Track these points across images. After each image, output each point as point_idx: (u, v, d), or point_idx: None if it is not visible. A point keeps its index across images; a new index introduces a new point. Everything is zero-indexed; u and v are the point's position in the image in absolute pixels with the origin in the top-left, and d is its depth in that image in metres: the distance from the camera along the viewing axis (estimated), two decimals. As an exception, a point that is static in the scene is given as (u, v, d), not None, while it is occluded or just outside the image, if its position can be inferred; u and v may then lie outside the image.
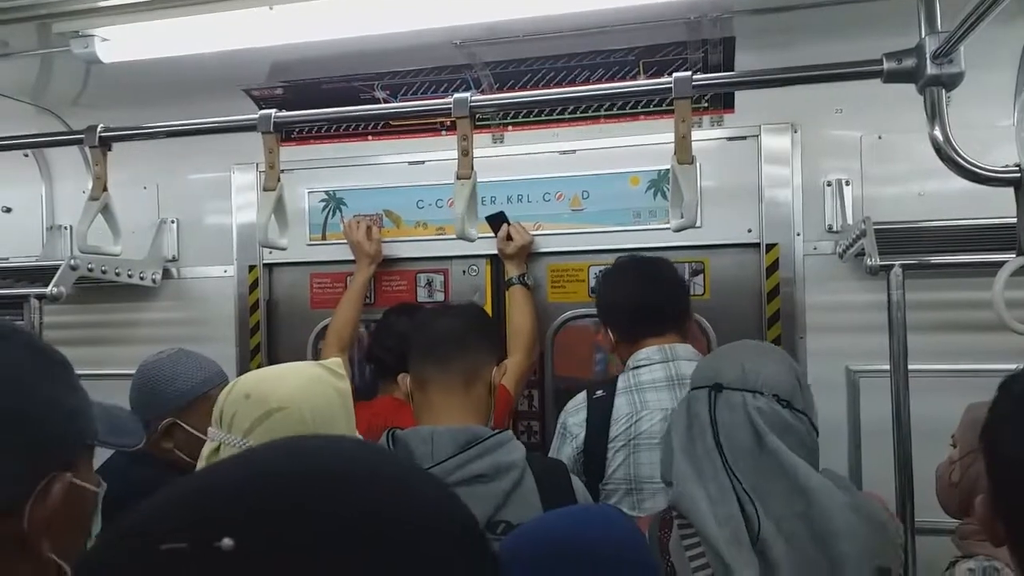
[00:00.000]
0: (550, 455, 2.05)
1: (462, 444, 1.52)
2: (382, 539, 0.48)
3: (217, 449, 1.30)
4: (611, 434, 1.98)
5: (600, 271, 2.66)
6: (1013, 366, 1.11)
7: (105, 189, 2.21)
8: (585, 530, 0.98)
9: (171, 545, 0.45)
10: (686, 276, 2.56)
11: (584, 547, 0.94)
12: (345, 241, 2.77)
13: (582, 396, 2.11)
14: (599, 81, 2.54)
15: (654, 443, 1.92)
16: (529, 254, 2.65)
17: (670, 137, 1.82)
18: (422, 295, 2.83)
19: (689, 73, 1.81)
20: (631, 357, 2.10)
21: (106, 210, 2.24)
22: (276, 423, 1.28)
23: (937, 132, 1.59)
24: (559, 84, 2.57)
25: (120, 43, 2.16)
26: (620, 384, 2.05)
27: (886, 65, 1.65)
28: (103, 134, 2.19)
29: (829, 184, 2.47)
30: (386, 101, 2.72)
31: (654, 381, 2.02)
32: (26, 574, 0.84)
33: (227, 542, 0.44)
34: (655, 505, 1.84)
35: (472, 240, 2.00)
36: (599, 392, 2.07)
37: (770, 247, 2.49)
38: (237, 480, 0.51)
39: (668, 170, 1.88)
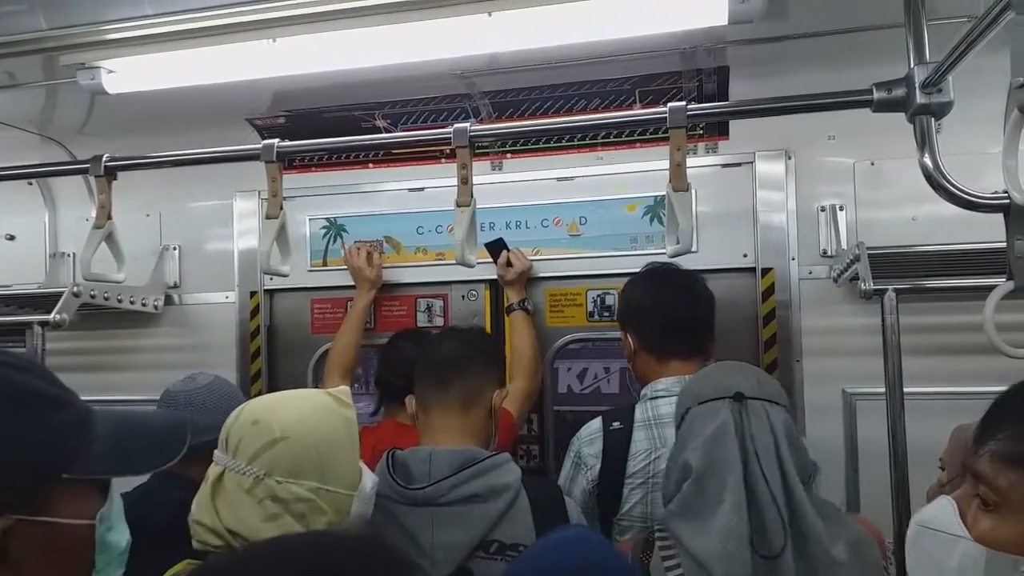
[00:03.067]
0: (560, 481, 2.01)
1: (458, 465, 1.56)
2: None
3: (221, 474, 1.32)
4: (628, 470, 1.91)
5: (598, 295, 2.68)
6: (1005, 388, 1.14)
7: (109, 217, 2.24)
8: (570, 556, 1.05)
9: None
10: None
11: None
12: (345, 267, 2.80)
13: (598, 424, 2.02)
14: (596, 110, 2.59)
15: None
16: (528, 279, 2.68)
17: (666, 164, 1.86)
18: (422, 320, 2.85)
19: (684, 103, 1.85)
20: (648, 386, 2.03)
21: (110, 238, 2.26)
22: (281, 451, 1.30)
23: (927, 159, 1.62)
24: (557, 113, 2.62)
25: (126, 75, 2.21)
26: (638, 416, 1.97)
27: (876, 95, 1.69)
28: (108, 163, 2.23)
29: (823, 209, 2.51)
30: (387, 130, 2.77)
31: (674, 415, 1.98)
32: None
33: None
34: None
35: (472, 266, 2.03)
36: (616, 424, 1.98)
37: (765, 271, 2.52)
38: None
39: (664, 196, 1.91)
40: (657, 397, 1.99)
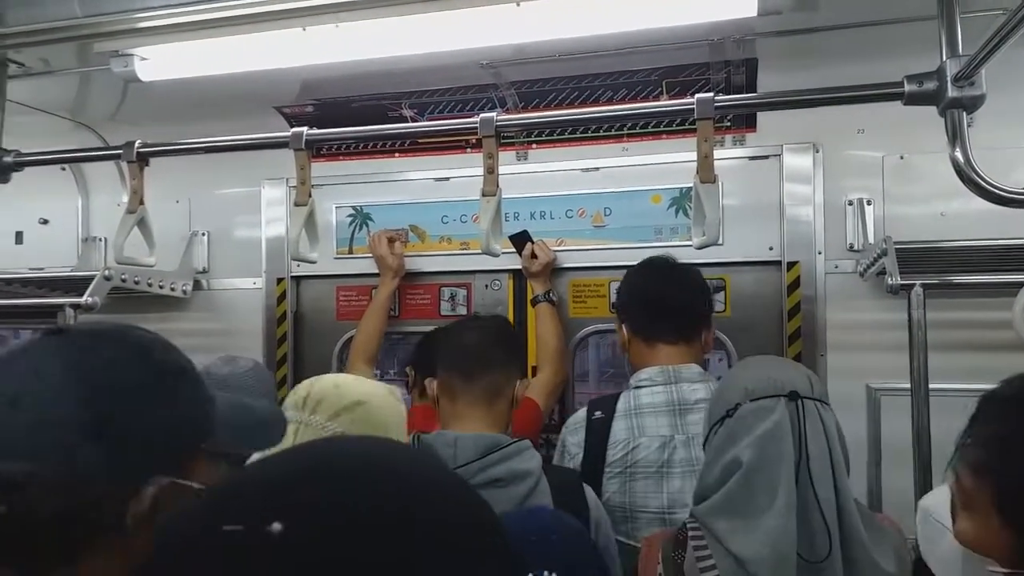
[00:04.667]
0: None
1: (483, 450, 1.61)
2: (414, 531, 0.53)
3: (296, 431, 1.41)
4: (608, 459, 1.95)
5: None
6: None
7: (142, 203, 2.27)
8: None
9: (231, 527, 0.51)
10: (707, 293, 2.58)
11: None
12: (371, 255, 2.82)
13: (582, 414, 2.07)
14: (622, 101, 2.58)
15: (650, 471, 1.91)
16: (552, 270, 2.69)
17: (692, 156, 1.85)
18: (445, 308, 2.87)
19: (711, 94, 1.85)
20: (634, 375, 2.07)
21: (142, 223, 2.30)
22: (359, 414, 1.45)
23: (958, 154, 1.61)
24: (583, 103, 2.61)
25: (158, 62, 2.24)
26: (620, 406, 2.01)
27: (907, 88, 1.68)
28: (141, 150, 2.26)
29: (851, 203, 2.49)
30: (413, 119, 2.78)
31: (654, 405, 1.98)
32: (127, 569, 0.88)
33: (276, 527, 0.50)
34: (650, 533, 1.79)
35: (497, 255, 2.04)
36: (598, 413, 2.03)
37: (791, 265, 2.51)
38: (292, 471, 0.57)
39: (690, 188, 1.90)
40: (640, 387, 2.03)
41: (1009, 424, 1.02)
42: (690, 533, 1.40)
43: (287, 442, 1.35)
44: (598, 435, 1.99)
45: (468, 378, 1.76)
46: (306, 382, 1.55)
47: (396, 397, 1.57)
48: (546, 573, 1.05)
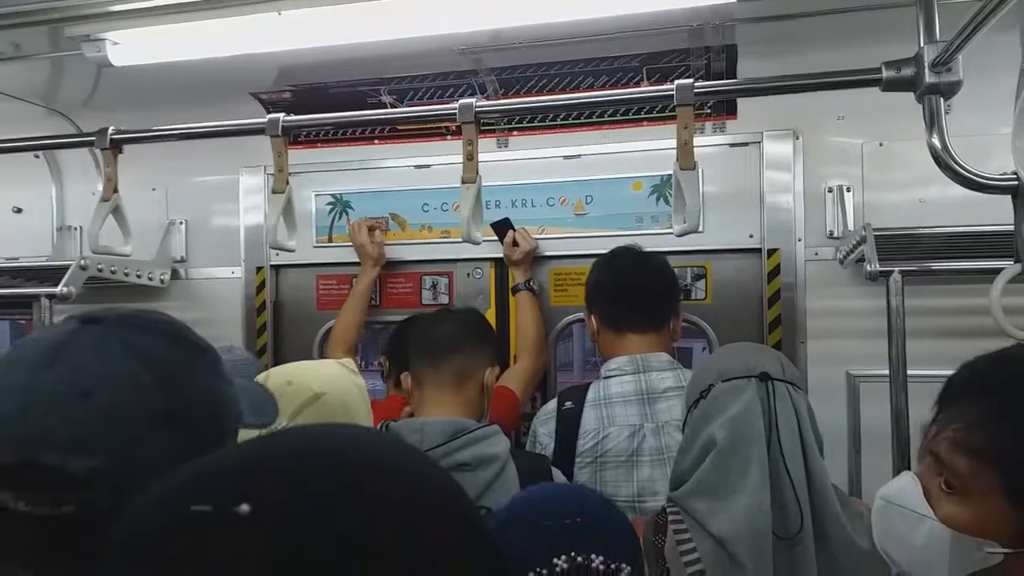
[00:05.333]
0: None
1: (449, 435, 1.62)
2: (389, 516, 0.52)
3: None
4: (578, 448, 1.97)
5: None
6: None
7: (116, 190, 2.24)
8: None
9: (199, 507, 0.51)
10: (687, 280, 2.59)
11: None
12: (351, 244, 2.80)
13: (553, 405, 2.09)
14: (603, 87, 2.57)
15: (621, 460, 1.92)
16: (533, 258, 2.68)
17: (673, 143, 1.85)
18: (427, 297, 2.86)
19: (691, 80, 1.84)
20: (604, 365, 2.09)
21: (117, 211, 2.27)
22: (319, 408, 1.39)
23: (935, 140, 1.61)
24: (563, 90, 2.60)
25: (131, 47, 2.20)
26: (590, 396, 2.03)
27: (885, 74, 1.68)
28: (114, 136, 2.23)
29: (830, 190, 2.49)
30: (392, 105, 2.76)
31: (623, 395, 1.99)
32: None
33: (244, 508, 0.49)
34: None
35: (478, 243, 2.04)
36: (568, 403, 2.05)
37: (771, 252, 2.51)
38: (262, 456, 0.56)
39: (671, 175, 1.90)
40: (609, 376, 2.04)
41: (1011, 404, 1.01)
42: (670, 518, 1.42)
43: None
44: (568, 425, 2.00)
45: (435, 363, 1.78)
46: (260, 376, 1.47)
47: (351, 372, 1.52)
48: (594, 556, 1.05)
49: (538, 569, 1.02)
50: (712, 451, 1.39)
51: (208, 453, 0.88)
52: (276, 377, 1.44)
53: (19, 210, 3.26)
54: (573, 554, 1.04)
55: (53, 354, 0.83)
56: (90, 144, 2.31)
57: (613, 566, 1.05)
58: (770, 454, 1.36)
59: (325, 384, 1.43)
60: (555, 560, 1.03)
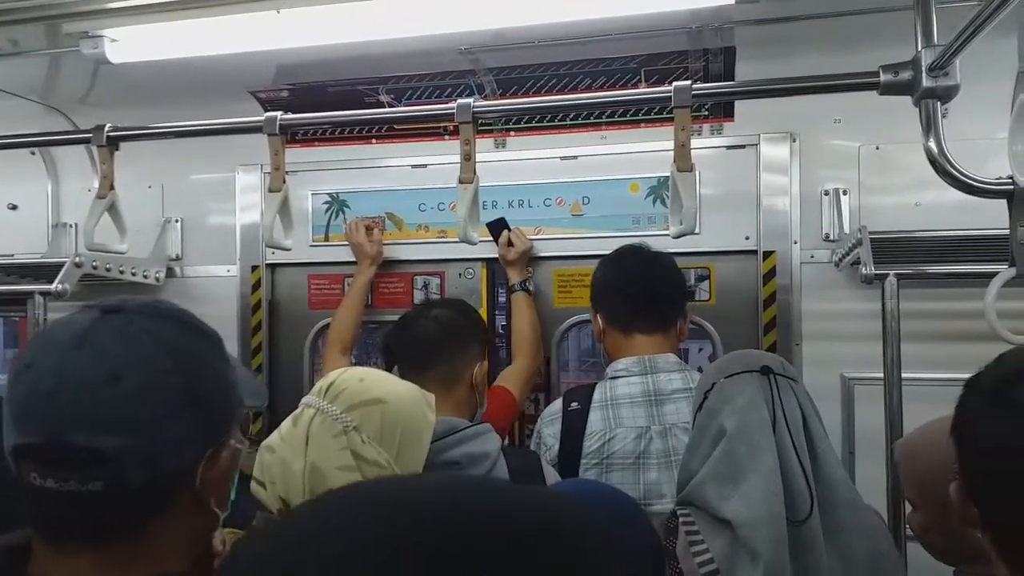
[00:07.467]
0: None
1: (439, 434, 1.59)
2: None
3: (311, 417, 1.36)
4: (584, 450, 1.95)
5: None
6: None
7: (112, 188, 2.23)
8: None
9: None
10: (691, 281, 2.58)
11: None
12: (347, 243, 2.80)
13: (558, 405, 2.07)
14: (601, 88, 2.57)
15: (627, 463, 1.91)
16: (530, 259, 2.68)
17: (670, 145, 1.85)
18: (419, 297, 2.85)
19: (689, 83, 1.84)
20: (610, 366, 2.08)
21: (113, 208, 2.26)
22: (375, 412, 1.36)
23: (932, 144, 1.61)
24: (561, 91, 2.60)
25: (129, 44, 2.19)
26: (596, 396, 2.01)
27: (882, 77, 1.68)
28: (111, 133, 2.22)
29: (827, 193, 2.49)
30: (390, 105, 2.75)
31: (631, 396, 1.98)
32: (196, 526, 0.97)
33: None
34: None
35: (474, 243, 2.03)
36: (574, 404, 2.02)
37: (767, 255, 2.52)
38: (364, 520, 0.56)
39: (668, 177, 1.90)
40: (616, 377, 2.03)
41: None
42: (680, 519, 1.44)
43: (301, 428, 1.35)
44: (574, 426, 1.98)
45: (421, 369, 1.78)
46: (334, 371, 1.47)
47: (430, 406, 1.47)
48: None
49: None
50: (722, 440, 1.43)
51: (227, 433, 0.96)
52: (355, 371, 1.45)
53: (14, 207, 3.25)
54: None
55: (79, 341, 0.88)
56: (87, 141, 2.30)
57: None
58: (778, 441, 1.40)
59: (393, 397, 1.40)
60: None
